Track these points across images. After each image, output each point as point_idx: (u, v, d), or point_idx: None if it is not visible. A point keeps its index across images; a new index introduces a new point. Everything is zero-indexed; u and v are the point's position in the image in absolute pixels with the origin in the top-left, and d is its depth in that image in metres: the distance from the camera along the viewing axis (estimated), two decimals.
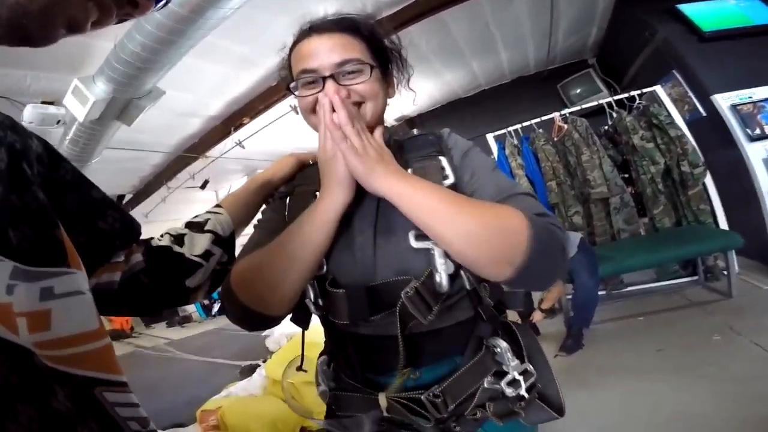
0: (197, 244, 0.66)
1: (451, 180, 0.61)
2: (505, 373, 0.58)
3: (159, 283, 0.62)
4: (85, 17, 0.36)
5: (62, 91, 2.38)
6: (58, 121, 2.51)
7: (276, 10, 2.54)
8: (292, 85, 0.65)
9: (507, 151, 3.83)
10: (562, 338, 2.59)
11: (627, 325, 2.75)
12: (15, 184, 0.37)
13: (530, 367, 0.59)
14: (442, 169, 0.62)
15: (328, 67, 0.61)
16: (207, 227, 0.68)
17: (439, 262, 0.55)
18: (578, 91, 4.60)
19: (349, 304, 0.57)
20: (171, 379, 3.86)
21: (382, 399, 0.60)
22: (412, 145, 0.68)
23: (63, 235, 0.39)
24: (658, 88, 3.22)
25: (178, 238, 0.65)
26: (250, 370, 3.04)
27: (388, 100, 0.72)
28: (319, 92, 0.62)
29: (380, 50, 0.68)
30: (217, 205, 0.74)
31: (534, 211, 0.55)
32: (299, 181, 0.74)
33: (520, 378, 0.57)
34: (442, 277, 0.55)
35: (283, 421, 1.92)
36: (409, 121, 5.62)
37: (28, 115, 2.40)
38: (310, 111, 0.64)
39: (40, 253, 0.36)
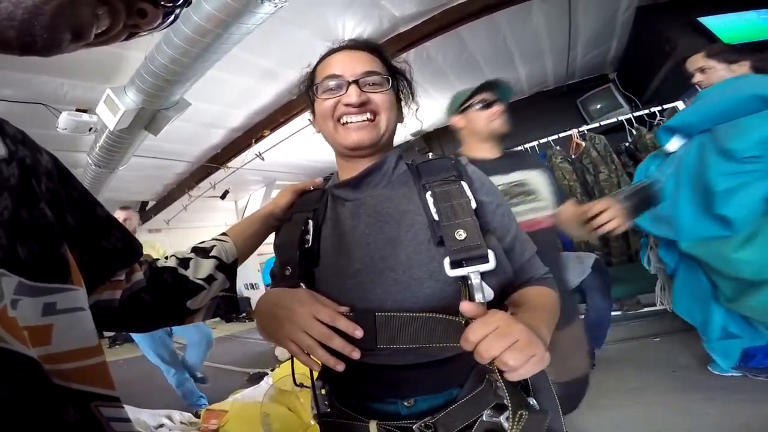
0: (201, 268, 0.69)
1: (473, 206, 0.63)
2: (506, 407, 0.56)
3: (160, 301, 0.64)
4: (91, 23, 0.36)
5: (95, 100, 2.52)
6: (90, 129, 2.65)
7: (298, 24, 2.64)
8: (319, 86, 0.69)
9: None
10: None
11: (641, 345, 2.68)
12: (24, 199, 0.38)
13: (533, 402, 0.58)
14: (465, 194, 0.64)
15: (354, 75, 0.66)
16: (212, 253, 0.71)
17: (478, 295, 0.56)
18: (598, 106, 4.55)
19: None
20: None
21: (373, 427, 0.60)
22: (428, 168, 0.70)
23: (67, 252, 0.40)
24: (679, 104, 3.16)
25: (184, 262, 0.69)
26: (258, 378, 3.06)
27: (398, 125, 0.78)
28: (341, 96, 0.66)
29: (397, 76, 0.74)
30: (224, 233, 0.77)
31: (544, 270, 0.72)
32: (296, 209, 0.77)
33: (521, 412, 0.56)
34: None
35: (286, 429, 1.93)
36: (426, 136, 5.66)
37: (63, 122, 2.55)
38: (329, 116, 0.68)
39: (45, 269, 0.37)
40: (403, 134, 5.11)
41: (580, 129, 3.67)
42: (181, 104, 2.81)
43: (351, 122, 0.67)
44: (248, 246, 0.79)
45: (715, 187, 1.13)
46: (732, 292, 1.17)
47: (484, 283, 0.57)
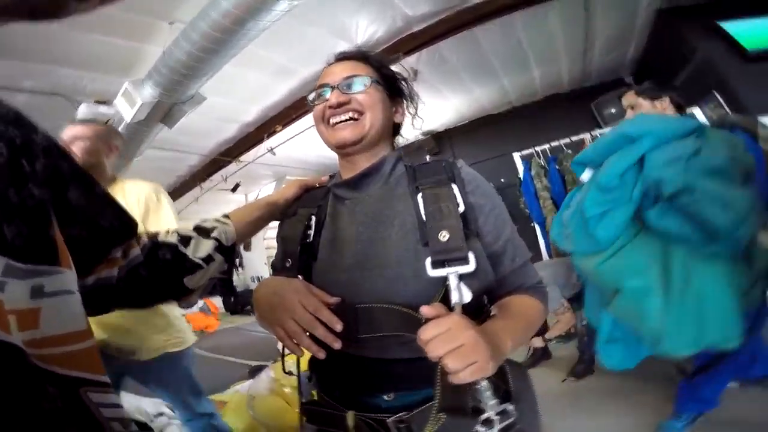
0: (202, 248, 0.70)
1: (461, 209, 0.65)
2: (483, 411, 0.56)
3: (158, 277, 0.65)
4: None
5: (114, 93, 2.59)
6: (107, 121, 2.71)
7: (313, 21, 2.67)
8: (309, 97, 0.76)
9: (533, 172, 3.80)
10: (574, 362, 2.52)
11: None
12: (13, 179, 0.38)
13: (510, 408, 0.57)
14: (454, 197, 0.66)
15: (336, 81, 0.72)
16: (213, 234, 0.72)
17: (454, 294, 0.58)
18: (613, 110, 4.47)
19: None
20: None
21: (350, 417, 0.62)
22: (424, 171, 0.73)
23: (56, 233, 0.39)
24: (696, 111, 3.10)
25: (185, 240, 0.70)
26: (259, 371, 3.09)
27: (402, 130, 0.84)
28: (327, 101, 0.72)
29: (388, 78, 0.79)
30: (226, 216, 0.79)
31: (536, 279, 0.72)
32: (301, 204, 0.81)
33: (496, 418, 0.55)
34: (458, 307, 0.58)
35: (271, 412, 1.95)
36: (436, 136, 5.66)
37: (82, 113, 2.61)
38: (320, 119, 0.75)
39: (32, 250, 0.36)
40: (413, 134, 5.12)
41: (594, 133, 3.63)
42: (196, 98, 2.86)
43: (337, 122, 0.72)
44: (247, 232, 0.81)
45: (587, 212, 1.40)
46: (607, 299, 1.41)
47: (463, 285, 0.59)
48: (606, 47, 3.84)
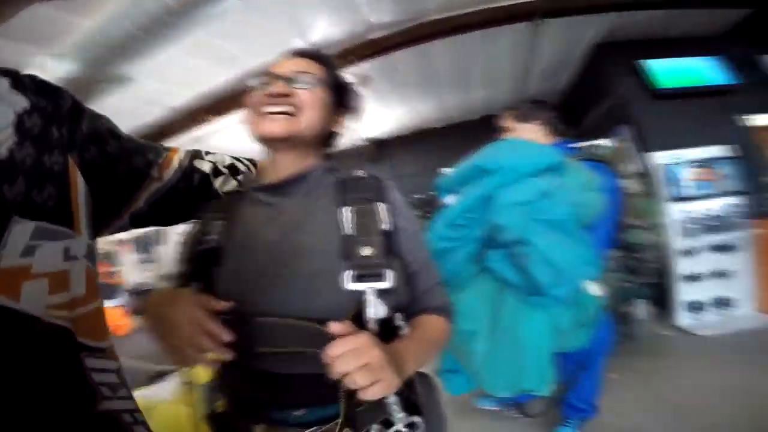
0: (227, 185, 0.77)
1: (387, 227, 0.66)
2: (392, 424, 0.58)
3: (184, 200, 0.70)
4: None
5: (25, 64, 2.11)
6: None
7: (271, 14, 2.49)
8: (251, 82, 0.71)
9: None
10: None
11: None
12: (45, 147, 0.40)
13: (418, 420, 0.60)
14: (379, 215, 0.66)
15: (284, 72, 0.69)
16: (239, 177, 0.79)
17: (370, 310, 0.59)
18: None
19: (239, 333, 0.56)
20: None
21: (259, 431, 0.60)
22: (354, 185, 0.70)
23: (72, 198, 0.41)
24: (601, 141, 3.40)
25: (218, 173, 0.75)
26: (161, 376, 2.75)
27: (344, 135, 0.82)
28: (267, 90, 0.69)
29: (340, 87, 0.76)
30: (254, 164, 0.83)
31: (445, 299, 0.74)
32: (209, 208, 0.75)
33: (405, 430, 0.58)
34: (372, 322, 0.59)
35: (171, 424, 1.80)
36: (378, 143, 5.68)
37: None
38: (253, 105, 0.70)
39: (60, 213, 0.38)
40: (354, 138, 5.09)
41: None
42: (121, 78, 2.48)
43: (269, 112, 0.67)
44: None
45: (433, 246, 1.32)
46: None
47: (379, 301, 0.59)
48: (543, 75, 4.16)
